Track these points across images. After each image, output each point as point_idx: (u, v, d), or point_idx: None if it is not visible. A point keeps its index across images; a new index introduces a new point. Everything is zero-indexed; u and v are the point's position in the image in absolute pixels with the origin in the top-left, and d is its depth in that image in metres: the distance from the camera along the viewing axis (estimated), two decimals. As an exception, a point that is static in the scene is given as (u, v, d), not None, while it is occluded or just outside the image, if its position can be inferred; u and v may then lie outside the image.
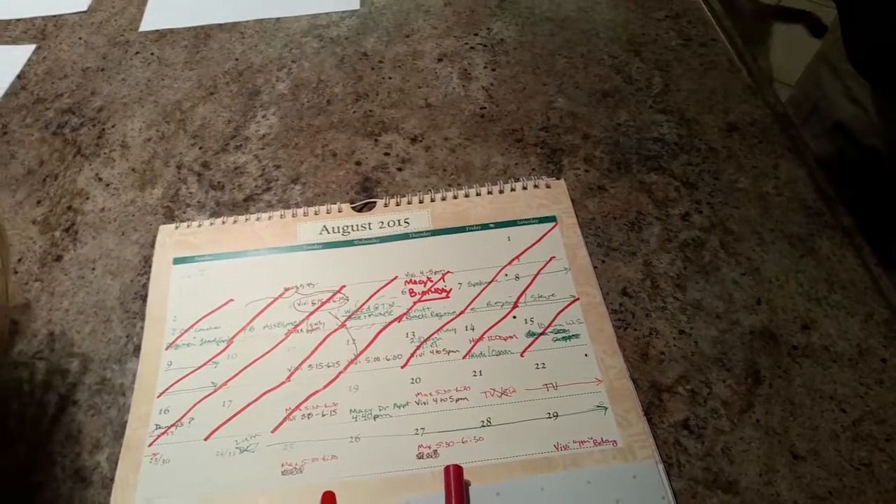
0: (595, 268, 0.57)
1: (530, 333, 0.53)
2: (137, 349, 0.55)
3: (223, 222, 0.62)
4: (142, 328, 0.56)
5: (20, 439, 0.51)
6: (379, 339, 0.54)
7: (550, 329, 0.54)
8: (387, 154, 0.66)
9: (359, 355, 0.53)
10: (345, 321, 0.55)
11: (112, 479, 0.49)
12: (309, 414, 0.51)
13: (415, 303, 0.56)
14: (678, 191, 0.61)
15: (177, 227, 0.62)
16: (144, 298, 0.58)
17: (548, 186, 0.62)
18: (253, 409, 0.51)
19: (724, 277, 0.55)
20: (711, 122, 0.66)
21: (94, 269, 0.60)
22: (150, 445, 0.50)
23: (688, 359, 0.52)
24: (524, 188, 0.62)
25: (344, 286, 0.57)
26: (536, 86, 0.71)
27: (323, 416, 0.51)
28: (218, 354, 0.54)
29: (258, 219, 0.62)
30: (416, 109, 0.70)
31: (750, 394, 0.50)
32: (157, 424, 0.51)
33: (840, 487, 0.46)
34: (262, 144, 0.68)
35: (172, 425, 0.51)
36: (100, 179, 0.67)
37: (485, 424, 0.49)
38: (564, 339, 0.53)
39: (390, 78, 0.73)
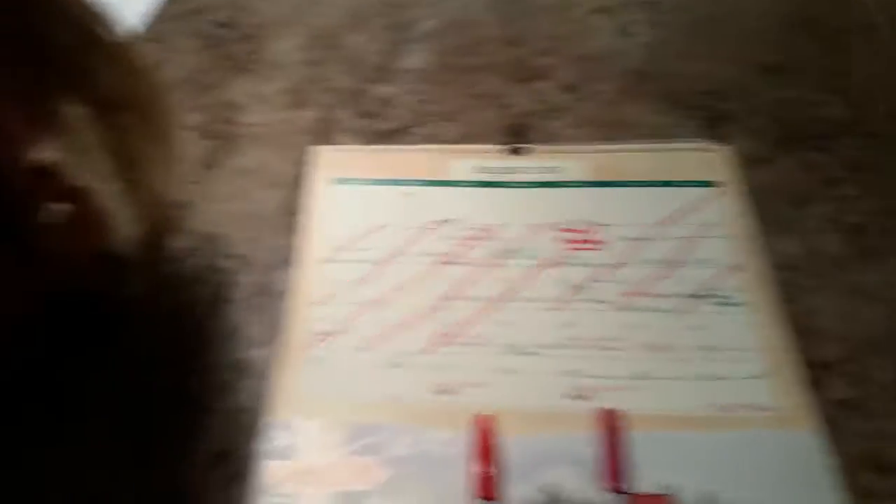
0: (758, 239, 0.56)
1: (687, 295, 0.54)
2: (295, 260, 0.56)
3: (378, 150, 0.63)
4: (299, 240, 0.57)
5: (179, 326, 0.53)
6: (531, 280, 0.55)
7: (711, 294, 0.54)
8: (538, 101, 0.67)
9: (511, 293, 0.54)
10: (496, 260, 0.56)
11: (271, 374, 0.51)
12: (461, 342, 0.52)
13: (568, 251, 0.56)
14: (844, 172, 0.60)
15: (334, 150, 0.63)
16: (301, 213, 0.59)
17: (710, 152, 0.62)
18: (406, 329, 0.53)
19: (888, 264, 0.55)
20: (882, 107, 0.65)
21: (251, 179, 0.62)
22: (309, 348, 0.52)
23: (850, 340, 0.51)
24: (686, 149, 0.62)
25: (495, 226, 0.58)
26: (698, 50, 0.70)
27: (475, 345, 0.52)
28: (372, 274, 0.55)
29: (412, 150, 0.63)
30: (570, 59, 0.70)
31: None
32: (315, 332, 0.52)
33: None
34: (411, 79, 0.69)
35: (330, 334, 0.52)
36: (254, 95, 0.68)
37: (641, 377, 0.50)
38: (724, 305, 0.53)
39: (544, 25, 0.73)
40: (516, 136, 0.64)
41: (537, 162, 0.61)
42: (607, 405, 0.48)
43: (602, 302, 0.54)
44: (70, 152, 0.41)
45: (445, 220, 0.58)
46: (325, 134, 0.65)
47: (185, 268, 0.56)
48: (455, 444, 0.47)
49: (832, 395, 0.49)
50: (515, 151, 0.63)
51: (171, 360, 0.52)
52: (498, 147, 0.63)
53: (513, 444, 0.47)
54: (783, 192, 0.60)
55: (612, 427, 0.47)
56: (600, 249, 0.56)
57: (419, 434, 0.48)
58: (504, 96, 0.67)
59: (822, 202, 0.59)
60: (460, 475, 0.46)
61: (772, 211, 0.58)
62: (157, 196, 0.48)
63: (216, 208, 0.60)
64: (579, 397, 0.49)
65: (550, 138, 0.64)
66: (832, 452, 0.46)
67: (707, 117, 0.65)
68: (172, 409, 0.50)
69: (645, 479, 0.45)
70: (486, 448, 0.47)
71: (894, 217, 0.58)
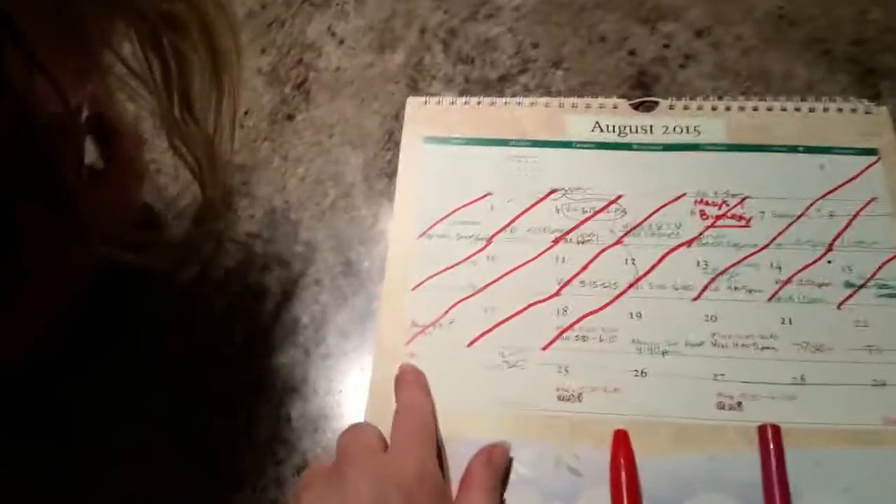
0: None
1: (849, 284, 0.45)
2: (384, 233, 0.48)
3: (478, 102, 0.53)
4: (388, 210, 0.49)
5: (257, 309, 0.45)
6: (664, 263, 0.46)
7: (873, 282, 0.45)
8: (666, 46, 0.57)
9: (640, 278, 0.46)
10: (622, 237, 0.47)
11: (361, 370, 0.44)
12: (584, 336, 0.44)
13: (707, 227, 0.48)
14: None
15: (426, 102, 0.54)
16: (390, 176, 0.51)
17: (867, 112, 0.52)
18: (519, 320, 0.45)
19: None
20: None
21: (331, 135, 0.53)
22: (407, 344, 0.44)
23: None
24: (839, 110, 0.52)
25: (621, 196, 0.49)
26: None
27: (601, 341, 0.44)
28: (476, 253, 0.47)
29: (519, 103, 0.53)
30: (700, -2, 0.59)
31: None
32: (413, 321, 0.45)
33: None
34: (516, 16, 0.59)
35: (430, 325, 0.45)
36: (333, 34, 0.59)
37: (797, 382, 0.42)
38: (891, 296, 0.44)
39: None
40: (641, 88, 0.54)
41: (668, 119, 0.52)
42: (759, 418, 0.41)
43: (749, 291, 0.45)
44: (118, 86, 0.35)
45: (561, 189, 0.49)
46: (416, 83, 0.56)
47: (261, 244, 0.48)
48: (587, 466, 0.40)
49: None
50: (642, 106, 0.53)
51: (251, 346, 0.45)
52: (621, 101, 0.53)
53: (649, 466, 0.40)
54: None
55: (776, 447, 0.39)
56: (746, 226, 0.47)
57: (544, 452, 0.40)
58: (627, 39, 0.57)
59: None
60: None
61: None
62: (215, 148, 0.40)
63: (293, 170, 0.52)
64: (727, 408, 0.42)
65: (681, 91, 0.54)
66: None
67: (859, 72, 0.54)
68: (243, 420, 0.43)
69: None
70: (628, 471, 0.39)
71: None
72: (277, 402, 0.43)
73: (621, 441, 0.40)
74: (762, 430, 0.40)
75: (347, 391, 0.43)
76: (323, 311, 0.46)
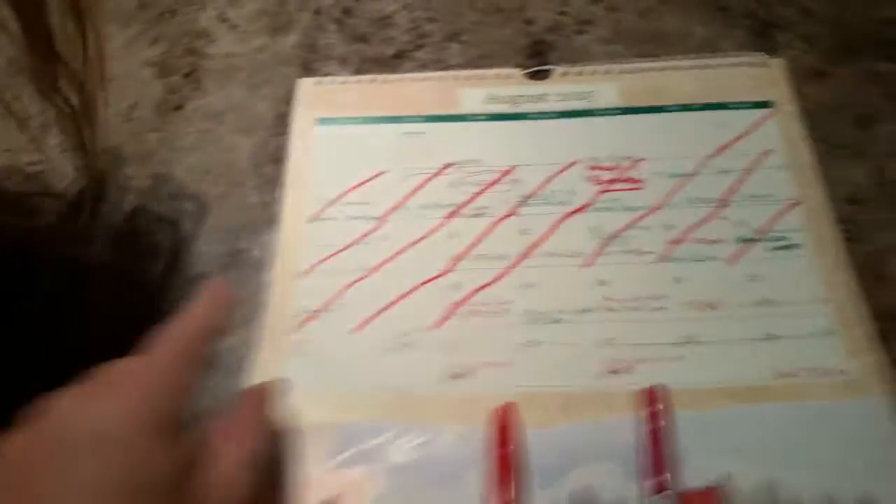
0: (818, 167, 0.47)
1: (742, 239, 0.44)
2: (275, 219, 0.47)
3: (372, 81, 0.52)
4: (280, 195, 0.48)
5: (137, 311, 0.44)
6: (558, 231, 0.46)
7: (766, 235, 0.45)
8: (563, 13, 0.56)
9: (533, 248, 0.45)
10: (516, 207, 0.47)
11: (245, 366, 0.42)
12: (476, 311, 0.43)
13: (600, 192, 0.47)
14: None
15: (318, 83, 0.53)
16: (281, 162, 0.49)
17: (762, 66, 0.51)
18: (411, 299, 0.44)
19: None
20: None
21: (221, 122, 0.52)
22: (294, 331, 0.43)
23: None
24: (733, 65, 0.51)
25: (514, 167, 0.48)
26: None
27: (493, 314, 0.43)
28: (369, 233, 0.46)
29: (413, 79, 0.52)
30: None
31: None
32: (302, 308, 0.43)
33: None
34: (411, -8, 0.58)
35: (321, 310, 0.43)
36: (224, 20, 0.58)
37: (687, 341, 0.41)
38: (783, 248, 0.44)
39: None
40: (538, 56, 0.53)
41: (562, 87, 0.51)
42: (649, 381, 0.40)
43: (641, 253, 0.45)
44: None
45: (455, 163, 0.49)
46: (308, 63, 0.55)
47: (149, 242, 0.47)
48: (468, 444, 0.39)
49: None
50: (536, 75, 0.52)
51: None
52: (515, 71, 0.52)
53: (538, 438, 0.39)
54: (846, 111, 0.50)
55: (656, 409, 0.39)
56: (638, 189, 0.47)
57: (426, 433, 0.39)
58: (524, 8, 0.56)
59: (891, 121, 0.49)
60: (474, 483, 0.37)
61: (831, 133, 0.49)
62: (88, 92, 0.38)
63: (181, 159, 0.50)
64: (615, 372, 0.41)
65: (578, 57, 0.53)
66: None
67: (756, 27, 0.54)
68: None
69: (693, 469, 0.37)
70: (506, 444, 0.38)
71: None
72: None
73: (503, 415, 0.39)
74: (647, 392, 0.39)
75: (230, 388, 0.42)
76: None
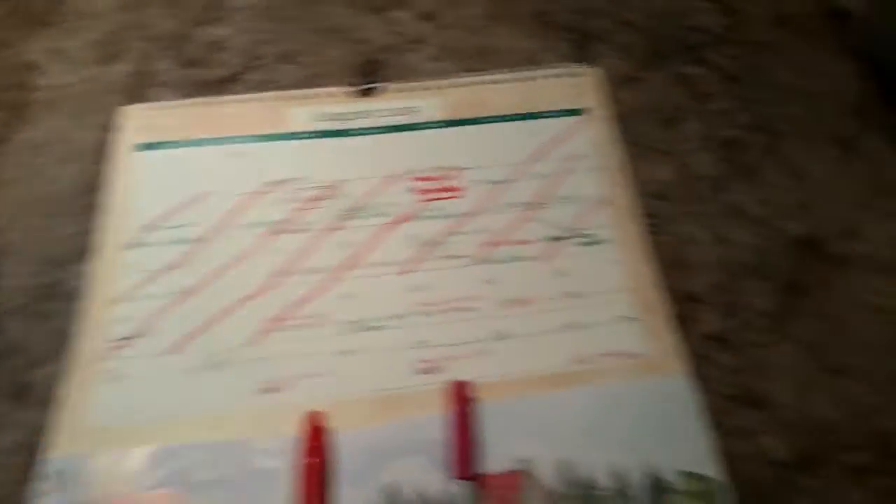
0: (627, 167, 0.48)
1: (552, 238, 0.45)
2: (93, 248, 0.46)
3: (198, 104, 0.52)
4: (99, 224, 0.47)
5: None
6: (378, 242, 0.46)
7: (575, 233, 0.46)
8: (395, 33, 0.56)
9: (353, 260, 0.45)
10: (340, 222, 0.47)
11: (56, 398, 0.40)
12: (293, 325, 0.43)
13: (423, 202, 0.47)
14: (720, 85, 0.53)
15: (143, 109, 0.52)
16: (102, 190, 0.48)
17: (577, 75, 0.52)
18: (230, 319, 0.43)
19: (765, 180, 0.49)
20: (759, 13, 0.57)
21: (45, 154, 0.51)
22: (105, 360, 0.42)
23: (722, 266, 0.46)
24: (551, 76, 0.52)
25: (339, 182, 0.48)
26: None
27: (309, 327, 0.43)
28: (189, 256, 0.46)
29: (241, 101, 0.52)
30: (429, -19, 0.59)
31: (788, 305, 0.44)
32: (115, 335, 0.42)
33: (881, 404, 0.41)
34: (247, 16, 0.58)
35: (133, 336, 0.42)
36: (57, 52, 0.57)
37: (497, 338, 0.42)
38: (590, 244, 0.45)
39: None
40: (369, 75, 0.54)
41: (388, 103, 0.51)
42: (458, 376, 0.41)
43: (458, 257, 0.45)
44: None
45: (282, 181, 0.48)
46: (140, 90, 0.54)
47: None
48: (280, 455, 0.38)
49: (706, 330, 0.43)
50: (366, 93, 0.52)
51: None
52: (344, 90, 0.52)
53: (348, 440, 0.39)
54: (654, 113, 0.52)
55: (462, 403, 0.39)
56: (458, 197, 0.47)
57: (237, 449, 0.38)
58: (355, 30, 0.57)
59: (698, 119, 0.52)
60: (285, 493, 0.37)
61: (642, 134, 0.51)
62: None
63: (2, 196, 0.49)
64: (426, 372, 0.41)
65: (408, 74, 0.54)
66: (705, 392, 0.41)
67: (577, 39, 0.56)
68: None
69: (498, 456, 0.38)
70: (313, 451, 0.38)
71: (771, 129, 0.51)
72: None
73: (310, 421, 0.39)
74: (450, 387, 0.40)
75: (39, 422, 0.41)
76: (25, 337, 0.43)
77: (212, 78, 0.55)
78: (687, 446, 0.39)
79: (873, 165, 0.50)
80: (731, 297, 0.44)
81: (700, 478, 0.38)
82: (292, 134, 0.50)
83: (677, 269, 0.45)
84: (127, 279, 0.45)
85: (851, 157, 0.50)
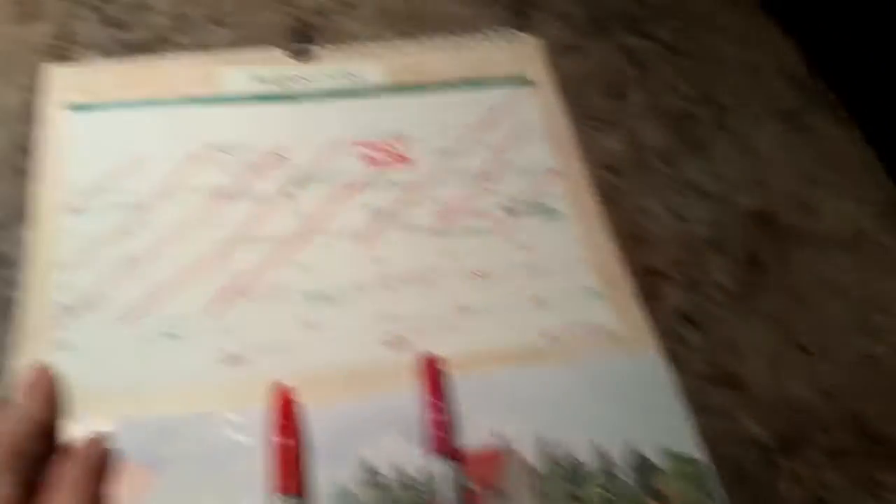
0: (576, 137, 0.50)
1: (507, 210, 0.47)
2: (27, 214, 0.44)
3: (130, 65, 0.51)
4: (32, 188, 0.45)
5: None
6: (331, 211, 0.46)
7: (530, 205, 0.47)
8: (326, -4, 0.56)
9: (307, 230, 0.45)
10: (288, 188, 0.47)
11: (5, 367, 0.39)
12: (251, 295, 0.43)
13: (372, 171, 0.48)
14: (663, 57, 0.55)
15: (71, 69, 0.50)
16: (33, 152, 0.46)
17: (518, 44, 0.54)
18: (180, 287, 0.43)
19: (715, 154, 0.51)
20: None
21: (-35, 115, 0.48)
22: (53, 329, 0.40)
23: (681, 241, 0.47)
24: (492, 44, 0.53)
25: (284, 148, 0.48)
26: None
27: (268, 297, 0.43)
28: (132, 222, 0.44)
29: (173, 62, 0.51)
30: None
31: (750, 281, 0.46)
32: (61, 305, 0.41)
33: (851, 385, 0.43)
34: (172, -25, 0.56)
35: (81, 306, 0.41)
36: (-33, 8, 0.53)
37: (461, 310, 0.43)
38: (546, 216, 0.47)
39: None
40: (302, 38, 0.53)
41: (327, 67, 0.52)
42: (427, 350, 0.41)
43: (413, 228, 0.46)
44: None
45: (222, 146, 0.48)
46: (63, 51, 0.52)
47: None
48: (248, 429, 0.38)
49: (671, 306, 0.45)
50: (300, 55, 0.52)
51: None
52: (278, 51, 0.52)
53: (320, 416, 0.39)
54: (599, 83, 0.54)
55: (433, 377, 0.40)
56: (408, 167, 0.48)
57: (203, 422, 0.38)
58: (285, -9, 0.56)
59: (643, 91, 0.54)
60: (255, 468, 0.37)
61: (588, 105, 0.52)
62: None
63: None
64: (394, 345, 0.42)
65: (342, 38, 0.54)
66: (677, 371, 0.42)
67: (513, 4, 0.57)
68: None
69: (476, 432, 0.39)
70: (286, 429, 0.38)
71: (718, 102, 0.54)
72: None
73: (278, 398, 0.38)
74: (420, 362, 0.40)
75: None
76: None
77: (137, 39, 0.53)
78: (668, 425, 0.40)
79: (819, 139, 0.53)
80: (692, 272, 0.46)
81: (686, 459, 0.38)
82: (229, 97, 0.50)
83: (635, 243, 0.46)
84: (69, 245, 0.43)
85: (798, 131, 0.53)
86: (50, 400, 0.37)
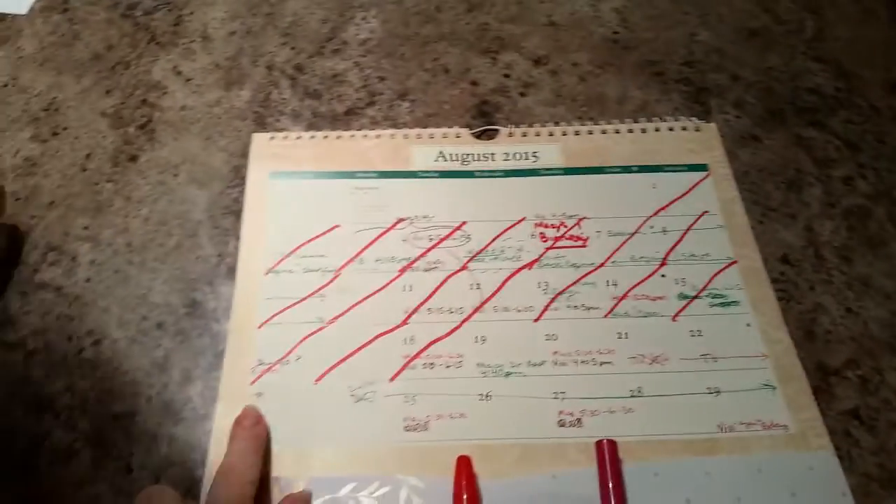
0: (752, 228, 0.50)
1: (683, 296, 0.47)
2: (231, 271, 0.48)
3: (325, 137, 0.54)
4: (235, 248, 0.49)
5: (98, 357, 0.44)
6: (507, 286, 0.48)
7: (705, 293, 0.47)
8: (507, 76, 0.59)
9: (485, 303, 0.47)
10: (467, 262, 0.49)
11: (205, 416, 0.42)
12: (431, 364, 0.45)
13: (547, 249, 0.49)
14: (839, 151, 0.54)
15: (272, 138, 0.54)
16: (237, 214, 0.51)
17: (697, 130, 0.55)
18: (366, 352, 0.45)
19: (893, 252, 0.49)
20: (872, 78, 0.59)
21: (176, 174, 0.53)
22: (252, 384, 0.43)
23: (857, 340, 0.46)
24: (670, 129, 0.55)
25: (465, 223, 0.50)
26: (676, 14, 0.63)
27: (447, 367, 0.45)
28: (324, 286, 0.47)
29: (365, 136, 0.54)
30: (539, 27, 0.62)
31: None
32: (259, 360, 0.44)
33: None
34: (363, 51, 0.60)
35: (277, 362, 0.44)
36: (179, 73, 0.59)
37: (634, 394, 0.44)
38: (722, 305, 0.47)
39: (506, -11, 0.65)
40: (484, 116, 0.56)
41: (509, 147, 0.54)
42: (599, 433, 0.42)
43: (587, 308, 0.47)
44: None
45: (407, 218, 0.50)
46: (262, 119, 0.56)
47: (91, 292, 0.47)
48: (429, 496, 0.40)
49: (843, 406, 0.44)
50: (483, 135, 0.55)
51: (90, 399, 0.43)
52: (464, 131, 0.54)
53: (495, 489, 0.40)
54: (777, 175, 0.53)
55: (613, 462, 0.41)
56: (584, 246, 0.49)
57: (387, 485, 0.40)
58: (470, 70, 0.59)
59: (820, 185, 0.53)
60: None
61: (765, 196, 0.52)
62: None
63: (136, 211, 0.51)
64: (567, 425, 0.43)
65: (521, 118, 0.56)
66: (845, 471, 0.41)
67: (690, 92, 0.58)
68: (82, 473, 0.41)
69: None
70: (471, 501, 0.39)
71: (893, 199, 0.52)
72: (117, 454, 0.42)
73: (462, 467, 0.40)
74: (598, 445, 0.41)
75: (190, 439, 0.42)
76: (166, 356, 0.45)
77: (331, 111, 0.57)
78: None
79: None
80: (866, 373, 0.45)
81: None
82: (415, 172, 0.52)
83: (809, 339, 0.46)
84: (267, 305, 0.46)
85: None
86: (263, 454, 0.40)
